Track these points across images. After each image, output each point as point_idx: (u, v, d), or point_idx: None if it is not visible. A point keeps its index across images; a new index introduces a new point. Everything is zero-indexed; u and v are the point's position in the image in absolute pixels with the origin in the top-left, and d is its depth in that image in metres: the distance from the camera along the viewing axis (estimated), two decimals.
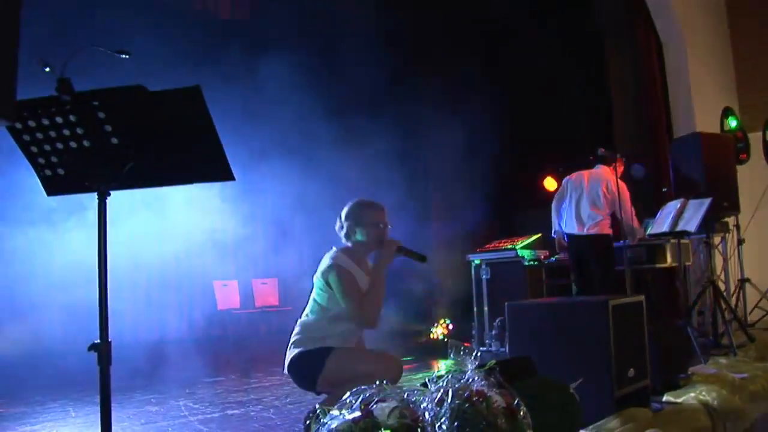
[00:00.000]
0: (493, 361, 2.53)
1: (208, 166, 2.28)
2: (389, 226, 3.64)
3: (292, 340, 3.63)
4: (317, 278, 3.59)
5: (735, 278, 7.90)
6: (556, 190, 7.55)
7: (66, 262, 7.06)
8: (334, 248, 3.63)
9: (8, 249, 8.55)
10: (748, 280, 7.72)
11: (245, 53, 9.61)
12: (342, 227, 3.65)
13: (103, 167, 2.26)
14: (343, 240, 3.66)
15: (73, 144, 2.25)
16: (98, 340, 2.23)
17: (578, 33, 9.71)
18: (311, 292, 3.70)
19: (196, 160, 2.28)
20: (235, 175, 2.29)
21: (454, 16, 9.69)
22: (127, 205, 9.66)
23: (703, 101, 9.17)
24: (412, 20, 10.11)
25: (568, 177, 7.02)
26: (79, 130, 2.22)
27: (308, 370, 3.46)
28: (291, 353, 3.56)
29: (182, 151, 2.26)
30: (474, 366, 2.47)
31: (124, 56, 2.59)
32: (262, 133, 10.95)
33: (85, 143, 2.24)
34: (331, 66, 11.00)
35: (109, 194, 2.30)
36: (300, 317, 3.74)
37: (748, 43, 10.04)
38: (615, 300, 3.84)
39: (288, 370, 3.58)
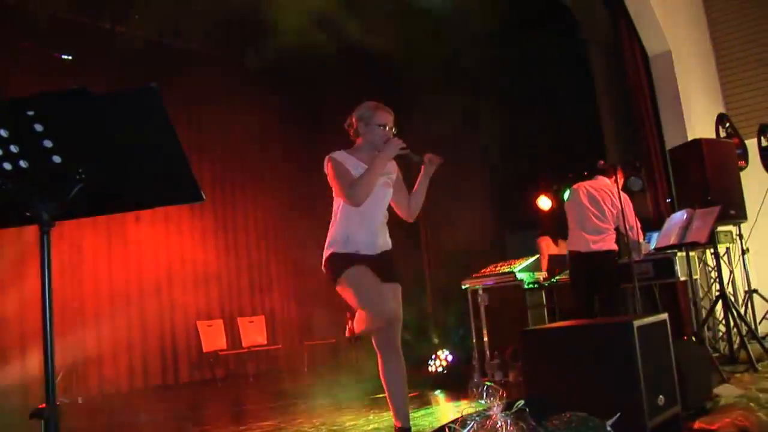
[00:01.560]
0: (522, 401, 2.16)
1: (171, 185, 1.90)
2: (394, 130, 3.90)
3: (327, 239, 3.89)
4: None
5: (741, 289, 7.59)
6: (551, 208, 7.19)
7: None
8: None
9: None
10: (755, 291, 7.40)
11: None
12: (351, 125, 3.95)
13: (45, 192, 1.87)
14: (353, 137, 3.97)
15: (7, 165, 1.85)
16: (43, 405, 1.78)
17: (563, 48, 9.49)
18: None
19: (158, 178, 1.89)
20: (204, 195, 1.91)
21: (439, 32, 9.44)
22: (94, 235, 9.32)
23: (692, 110, 8.97)
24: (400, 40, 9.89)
25: (576, 186, 6.52)
26: (13, 148, 1.82)
27: (334, 272, 3.76)
28: (325, 252, 3.85)
29: (140, 168, 1.87)
30: (501, 408, 2.09)
31: (66, 57, 2.22)
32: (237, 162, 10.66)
33: (22, 164, 1.85)
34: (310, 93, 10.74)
35: (54, 225, 1.90)
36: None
37: (730, 51, 9.98)
38: (639, 320, 3.47)
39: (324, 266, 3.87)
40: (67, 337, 8.53)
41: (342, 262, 3.72)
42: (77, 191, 1.87)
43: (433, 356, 7.97)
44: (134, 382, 9.64)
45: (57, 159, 1.84)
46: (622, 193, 6.15)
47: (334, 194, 3.87)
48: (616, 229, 6.23)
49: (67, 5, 7.89)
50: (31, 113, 1.76)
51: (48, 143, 1.81)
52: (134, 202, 2.02)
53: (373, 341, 3.79)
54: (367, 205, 3.76)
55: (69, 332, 8.59)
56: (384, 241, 3.92)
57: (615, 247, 6.19)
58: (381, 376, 3.77)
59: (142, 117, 1.76)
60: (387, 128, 3.87)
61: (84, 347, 8.84)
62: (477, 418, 2.03)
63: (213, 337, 10.28)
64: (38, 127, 1.78)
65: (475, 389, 2.01)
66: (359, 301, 3.67)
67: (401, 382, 3.76)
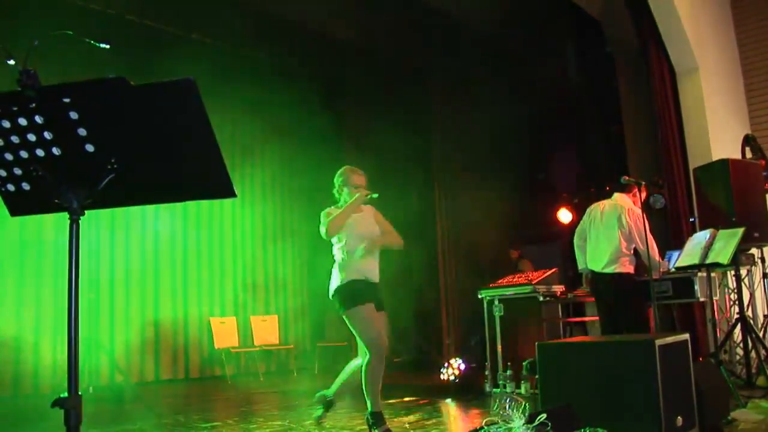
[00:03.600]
0: (544, 415, 2.12)
1: (204, 179, 1.89)
2: (366, 188, 4.88)
3: (334, 274, 4.80)
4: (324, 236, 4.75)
5: (761, 313, 7.51)
6: (572, 222, 7.16)
7: None
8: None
9: None
10: None
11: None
12: (335, 186, 4.98)
13: (76, 180, 1.86)
14: (337, 197, 4.96)
15: (39, 152, 1.85)
16: (65, 394, 1.76)
17: (590, 61, 9.44)
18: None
19: (190, 171, 1.88)
20: (236, 192, 1.90)
21: (464, 48, 9.43)
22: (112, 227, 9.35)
23: (717, 130, 8.89)
24: (419, 49, 9.90)
25: (589, 209, 6.56)
26: (47, 135, 1.82)
27: (342, 303, 4.67)
28: (333, 286, 4.76)
29: (173, 161, 1.86)
30: (523, 420, 2.06)
31: (103, 46, 2.21)
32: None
33: (55, 151, 1.85)
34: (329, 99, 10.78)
35: (83, 214, 1.89)
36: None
37: (758, 72, 9.93)
38: (661, 339, 3.43)
39: (332, 296, 4.80)
40: (82, 328, 8.55)
41: (357, 295, 4.61)
42: (108, 181, 1.86)
43: (446, 364, 7.94)
44: (145, 374, 9.67)
45: (90, 148, 1.83)
46: (636, 210, 6.11)
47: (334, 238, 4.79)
48: (635, 249, 6.16)
49: None
50: (67, 100, 1.76)
51: (82, 131, 1.81)
52: (165, 194, 2.01)
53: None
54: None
55: (83, 322, 8.61)
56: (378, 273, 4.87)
57: (629, 269, 6.11)
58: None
59: (178, 110, 1.75)
60: (360, 188, 4.86)
61: (97, 337, 8.86)
62: (499, 430, 1.99)
63: (225, 334, 10.28)
64: (73, 115, 1.78)
65: (498, 400, 2.00)
66: (366, 338, 4.53)
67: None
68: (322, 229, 4.68)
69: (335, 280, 4.75)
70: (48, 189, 1.89)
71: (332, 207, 4.90)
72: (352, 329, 4.65)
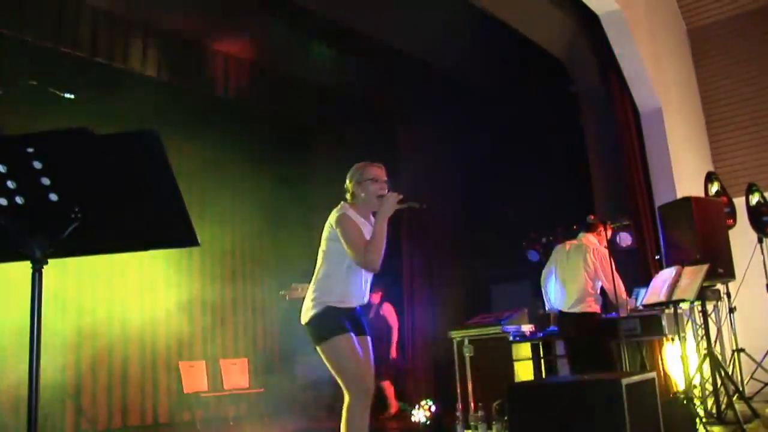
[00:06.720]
0: None
1: (168, 228, 1.89)
2: (387, 182, 3.94)
3: (310, 297, 3.83)
4: (327, 231, 3.83)
5: (728, 348, 7.60)
6: (539, 261, 7.22)
7: None
8: (342, 203, 3.91)
9: None
10: (742, 349, 7.41)
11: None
12: (347, 190, 3.96)
13: (39, 230, 1.86)
14: (350, 200, 3.95)
15: (2, 201, 1.85)
16: None
17: (555, 101, 9.59)
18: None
19: (154, 221, 1.88)
20: (199, 240, 1.90)
21: (428, 83, 9.56)
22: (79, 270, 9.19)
23: (681, 168, 9.05)
24: (389, 85, 10.00)
25: (555, 249, 6.67)
26: (10, 184, 1.82)
27: (316, 337, 3.78)
28: (309, 312, 3.80)
29: (137, 210, 1.86)
30: None
31: (68, 96, 2.20)
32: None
33: (18, 200, 1.84)
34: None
35: (47, 263, 1.89)
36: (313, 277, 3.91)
37: (719, 110, 10.17)
38: (628, 378, 3.46)
39: (306, 324, 3.85)
40: (47, 373, 8.37)
41: (336, 323, 3.71)
42: (72, 230, 1.86)
43: (417, 406, 7.89)
44: (113, 420, 9.47)
45: (54, 197, 1.83)
46: (602, 249, 6.19)
47: (330, 248, 3.83)
48: (601, 288, 6.24)
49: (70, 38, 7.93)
50: (30, 150, 1.76)
51: (46, 181, 1.81)
52: (129, 243, 2.01)
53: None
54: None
55: (49, 367, 8.44)
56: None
57: (595, 308, 6.18)
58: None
59: (142, 160, 1.76)
60: (379, 181, 3.92)
61: (63, 383, 8.69)
62: None
63: (195, 378, 10.13)
64: (37, 165, 1.78)
65: None
66: (344, 376, 3.68)
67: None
68: (360, 260, 3.67)
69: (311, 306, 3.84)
70: (11, 238, 1.88)
71: (347, 204, 3.93)
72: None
